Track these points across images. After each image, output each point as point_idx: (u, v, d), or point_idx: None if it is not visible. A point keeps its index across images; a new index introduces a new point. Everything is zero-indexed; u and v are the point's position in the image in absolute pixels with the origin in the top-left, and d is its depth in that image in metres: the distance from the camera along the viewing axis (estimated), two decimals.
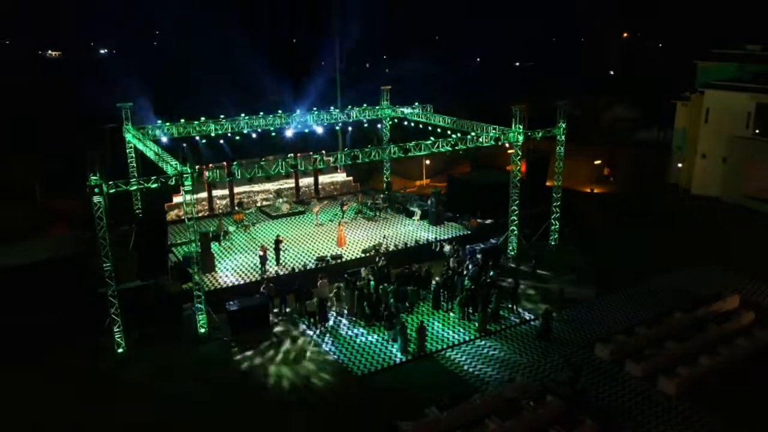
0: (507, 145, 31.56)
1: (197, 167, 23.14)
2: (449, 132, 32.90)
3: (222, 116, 33.50)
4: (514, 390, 19.71)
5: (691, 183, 43.40)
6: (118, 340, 22.39)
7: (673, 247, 33.17)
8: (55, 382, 20.97)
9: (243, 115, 34.01)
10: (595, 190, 44.14)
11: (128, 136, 31.04)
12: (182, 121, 32.34)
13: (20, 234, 32.24)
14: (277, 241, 28.88)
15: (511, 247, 31.74)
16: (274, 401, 20.12)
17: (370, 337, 24.13)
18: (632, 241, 34.34)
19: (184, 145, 29.76)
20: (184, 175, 21.90)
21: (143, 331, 23.63)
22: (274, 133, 32.29)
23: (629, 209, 39.53)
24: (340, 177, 41.08)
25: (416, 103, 36.58)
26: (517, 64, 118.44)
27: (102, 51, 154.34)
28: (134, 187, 21.40)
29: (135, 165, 31.60)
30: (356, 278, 26.99)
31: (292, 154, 27.13)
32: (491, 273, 27.74)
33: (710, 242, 33.57)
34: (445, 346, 23.50)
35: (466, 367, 22.16)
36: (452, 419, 18.48)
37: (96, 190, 20.47)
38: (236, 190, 36.98)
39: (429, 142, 27.63)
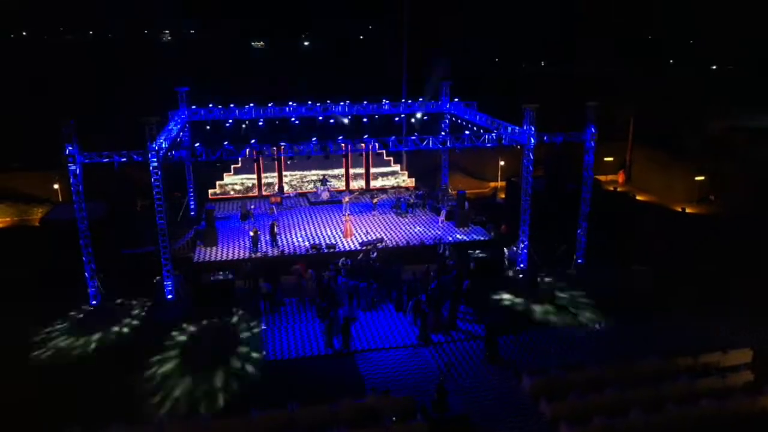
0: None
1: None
2: (483, 130, 31.17)
3: (271, 103, 35.45)
4: (382, 402, 18.60)
5: None
6: (93, 293, 25.53)
7: (737, 286, 27.48)
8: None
9: (292, 103, 35.71)
10: (687, 210, 38.07)
11: (184, 116, 34.49)
12: (232, 105, 34.98)
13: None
14: (272, 226, 30.17)
15: (520, 260, 29.19)
16: None
17: (311, 327, 24.30)
18: (689, 271, 29.13)
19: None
20: (150, 153, 24.11)
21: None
22: (292, 120, 33.40)
23: (717, 237, 33.44)
24: (395, 170, 40.83)
25: (456, 99, 35.04)
26: (714, 67, 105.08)
27: (306, 43, 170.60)
28: (106, 160, 24.09)
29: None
30: (328, 268, 27.18)
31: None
32: (465, 282, 25.91)
33: None
34: (374, 347, 22.80)
35: (376, 371, 21.32)
36: (305, 417, 18.20)
37: (70, 160, 23.53)
38: (285, 174, 38.90)
39: (413, 137, 26.59)
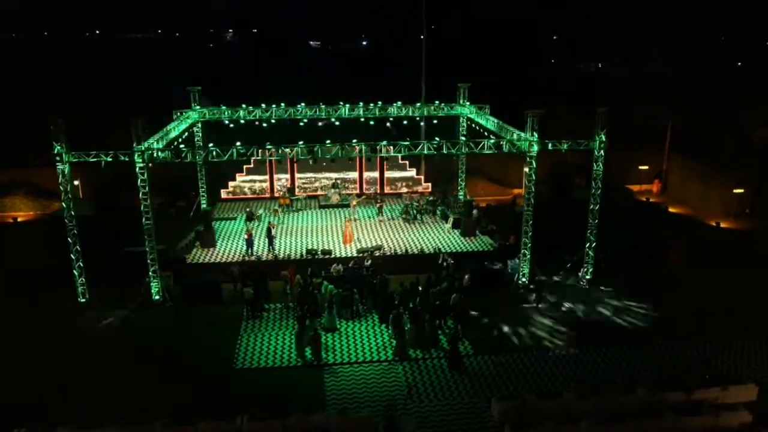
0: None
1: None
2: (491, 135, 29.83)
3: (283, 104, 34.98)
4: (337, 421, 17.68)
5: None
6: (82, 290, 25.76)
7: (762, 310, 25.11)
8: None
9: (303, 104, 35.16)
10: (722, 225, 35.19)
11: (194, 116, 34.54)
12: (243, 106, 34.73)
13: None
14: (269, 228, 29.71)
15: (522, 273, 27.59)
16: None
17: (287, 335, 23.65)
18: (711, 291, 26.74)
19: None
20: (136, 153, 24.07)
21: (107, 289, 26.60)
22: (304, 124, 32.81)
23: (746, 253, 30.68)
24: (410, 175, 39.72)
25: (467, 103, 33.53)
26: None
27: (363, 43, 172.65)
28: (92, 159, 24.19)
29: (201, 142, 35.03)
30: (312, 275, 26.50)
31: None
32: (453, 295, 24.61)
33: None
34: (344, 361, 21.89)
35: (342, 386, 20.42)
36: (252, 430, 17.55)
37: (57, 158, 23.78)
38: (299, 176, 38.46)
39: (407, 143, 25.49)
